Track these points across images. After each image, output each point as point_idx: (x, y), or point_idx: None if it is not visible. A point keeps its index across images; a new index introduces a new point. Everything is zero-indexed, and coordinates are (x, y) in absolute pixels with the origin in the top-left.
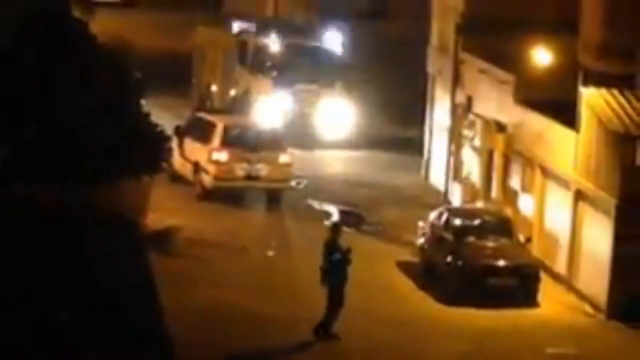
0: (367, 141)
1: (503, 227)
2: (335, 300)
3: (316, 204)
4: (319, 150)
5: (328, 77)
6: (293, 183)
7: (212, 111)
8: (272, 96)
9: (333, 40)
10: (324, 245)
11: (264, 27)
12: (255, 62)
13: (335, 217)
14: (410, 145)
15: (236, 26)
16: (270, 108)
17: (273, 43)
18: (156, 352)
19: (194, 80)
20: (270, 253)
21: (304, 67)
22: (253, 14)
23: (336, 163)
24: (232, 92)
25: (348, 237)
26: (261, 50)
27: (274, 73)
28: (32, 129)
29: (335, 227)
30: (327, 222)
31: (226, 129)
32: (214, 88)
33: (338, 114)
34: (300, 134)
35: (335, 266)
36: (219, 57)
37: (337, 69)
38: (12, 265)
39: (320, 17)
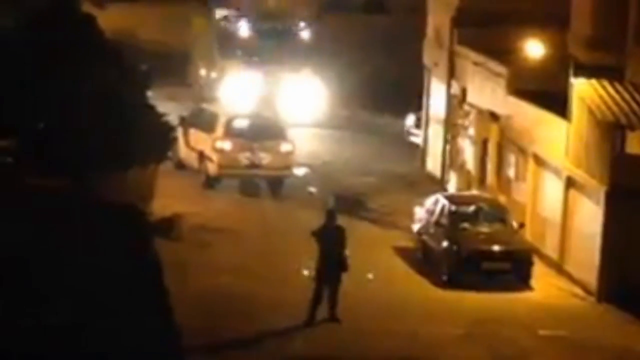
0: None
1: (497, 213)
2: (322, 282)
3: (315, 191)
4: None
5: (294, 61)
6: (295, 171)
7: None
8: (241, 78)
9: (305, 27)
10: (316, 231)
11: (239, 14)
12: (229, 46)
13: (331, 203)
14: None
15: (219, 13)
16: (239, 89)
17: (244, 28)
18: (164, 342)
19: (191, 68)
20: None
21: (272, 51)
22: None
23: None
24: (213, 75)
25: (347, 222)
26: (234, 35)
27: (243, 56)
28: (41, 124)
29: (330, 214)
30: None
31: (230, 119)
32: (202, 72)
33: (305, 96)
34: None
35: (328, 250)
36: (207, 43)
37: (304, 53)
38: (21, 256)
39: (321, 11)
